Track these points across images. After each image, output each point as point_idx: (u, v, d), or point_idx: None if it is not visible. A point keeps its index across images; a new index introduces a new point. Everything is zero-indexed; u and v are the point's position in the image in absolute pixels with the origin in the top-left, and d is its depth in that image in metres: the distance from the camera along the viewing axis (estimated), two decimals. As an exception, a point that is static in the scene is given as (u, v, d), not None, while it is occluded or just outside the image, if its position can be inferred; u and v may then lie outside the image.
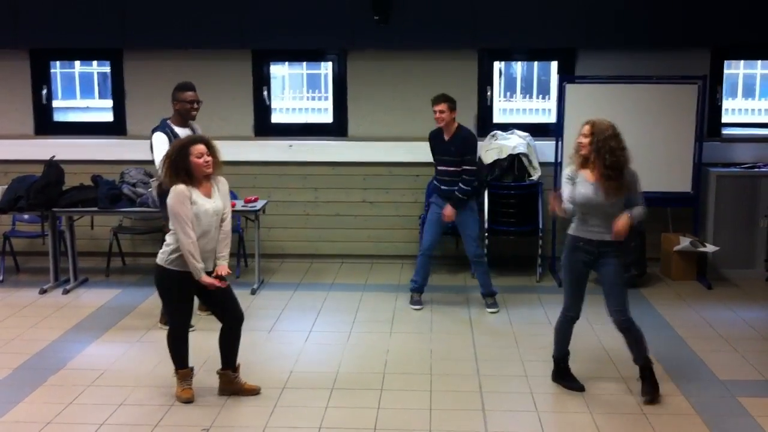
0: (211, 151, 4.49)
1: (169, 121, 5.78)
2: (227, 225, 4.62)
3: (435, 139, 6.36)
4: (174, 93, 5.80)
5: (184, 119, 5.80)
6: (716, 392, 4.76)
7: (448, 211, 6.22)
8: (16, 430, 4.28)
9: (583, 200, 4.50)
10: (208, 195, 4.49)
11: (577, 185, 4.53)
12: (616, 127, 4.48)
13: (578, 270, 4.66)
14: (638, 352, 4.66)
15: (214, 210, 4.49)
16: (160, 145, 5.58)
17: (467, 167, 6.19)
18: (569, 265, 4.68)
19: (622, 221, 4.45)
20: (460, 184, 6.18)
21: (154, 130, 5.76)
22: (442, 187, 6.29)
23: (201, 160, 4.42)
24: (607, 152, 4.39)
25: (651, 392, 4.60)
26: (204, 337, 5.16)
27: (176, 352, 4.63)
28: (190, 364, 4.68)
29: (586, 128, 4.49)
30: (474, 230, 6.33)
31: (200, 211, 4.42)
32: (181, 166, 4.41)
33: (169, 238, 4.51)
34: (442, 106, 6.15)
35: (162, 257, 4.50)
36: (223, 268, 4.57)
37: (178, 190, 4.40)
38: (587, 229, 4.57)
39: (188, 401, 4.56)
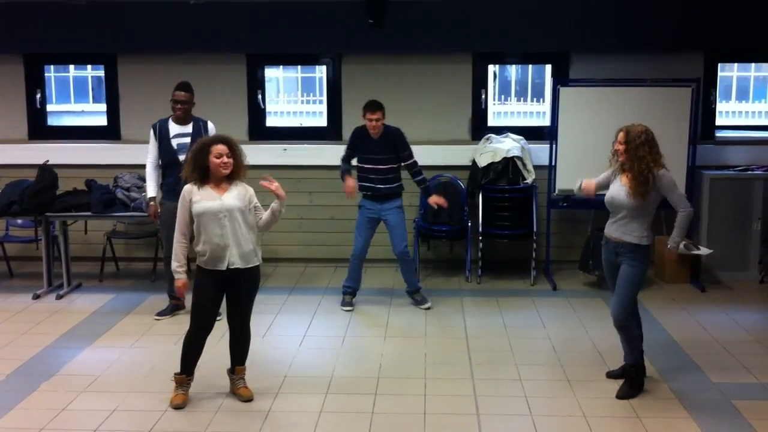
0: (234, 153, 4.52)
1: (170, 118, 6.09)
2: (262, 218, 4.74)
3: (362, 137, 6.36)
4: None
5: (177, 117, 6.07)
6: (710, 395, 4.76)
7: (435, 199, 6.39)
8: (8, 436, 4.27)
9: (609, 200, 4.68)
10: (220, 193, 4.51)
11: (612, 185, 4.69)
12: (649, 132, 4.54)
13: (605, 267, 4.86)
14: (628, 351, 4.80)
15: (219, 208, 4.47)
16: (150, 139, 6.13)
17: (409, 162, 6.35)
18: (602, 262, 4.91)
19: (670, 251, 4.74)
20: (420, 177, 6.40)
21: None
22: (378, 186, 6.31)
23: (219, 161, 4.46)
24: (636, 160, 4.49)
25: (625, 393, 4.69)
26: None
27: (185, 355, 4.63)
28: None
29: (621, 135, 4.58)
30: (402, 228, 6.42)
31: (199, 210, 4.45)
32: (199, 164, 4.48)
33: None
34: (380, 114, 6.22)
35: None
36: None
37: (184, 190, 4.54)
38: (610, 227, 4.73)
39: (178, 407, 4.54)
